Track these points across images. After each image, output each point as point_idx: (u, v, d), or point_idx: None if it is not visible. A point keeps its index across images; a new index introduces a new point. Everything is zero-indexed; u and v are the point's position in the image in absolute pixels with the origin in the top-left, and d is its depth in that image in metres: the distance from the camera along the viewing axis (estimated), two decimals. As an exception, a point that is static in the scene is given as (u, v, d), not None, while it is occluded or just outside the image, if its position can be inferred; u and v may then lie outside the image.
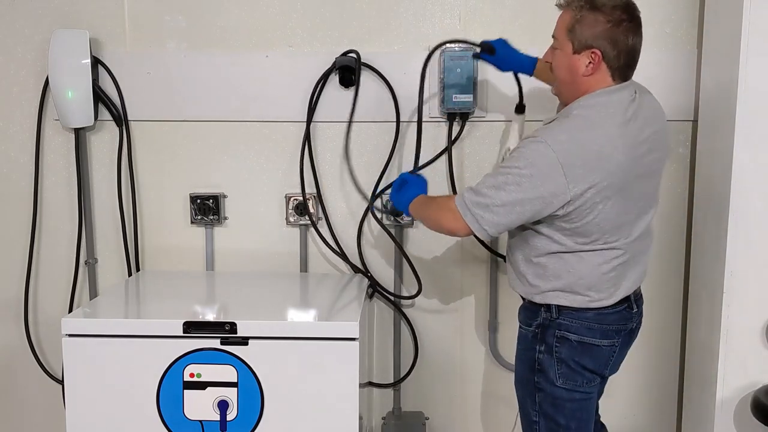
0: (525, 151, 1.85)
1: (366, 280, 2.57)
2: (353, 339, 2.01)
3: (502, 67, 2.30)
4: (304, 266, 2.70)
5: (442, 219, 1.99)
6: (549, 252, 1.96)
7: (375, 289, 2.66)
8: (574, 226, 1.90)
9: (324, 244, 2.66)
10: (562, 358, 1.99)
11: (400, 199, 2.20)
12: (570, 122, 1.88)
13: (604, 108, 1.88)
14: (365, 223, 2.67)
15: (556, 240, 1.94)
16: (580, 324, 1.98)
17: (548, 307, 1.99)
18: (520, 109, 2.38)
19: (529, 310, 2.05)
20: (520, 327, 2.10)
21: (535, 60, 2.24)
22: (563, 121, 1.89)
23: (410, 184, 2.20)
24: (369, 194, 2.61)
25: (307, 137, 2.60)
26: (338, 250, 2.65)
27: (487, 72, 2.54)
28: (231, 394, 2.02)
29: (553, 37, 1.94)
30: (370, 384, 2.71)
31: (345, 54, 2.54)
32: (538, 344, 2.01)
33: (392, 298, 2.68)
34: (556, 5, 1.94)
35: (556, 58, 1.92)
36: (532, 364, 2.02)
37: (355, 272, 2.66)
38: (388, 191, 2.62)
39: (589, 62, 1.86)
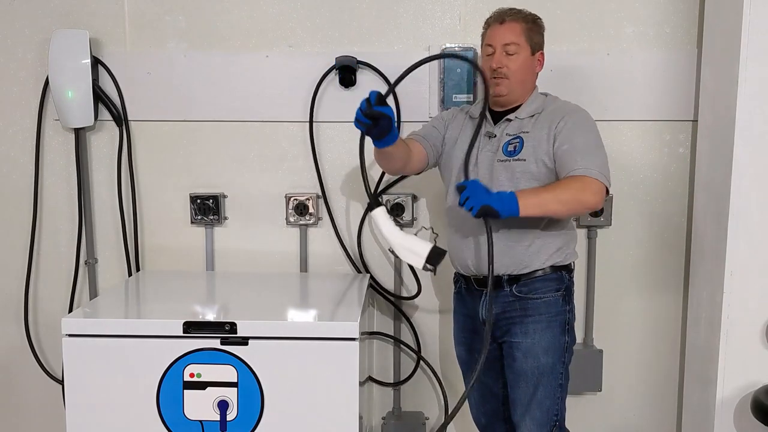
0: (585, 115, 2.14)
1: (367, 279, 2.57)
2: (353, 339, 2.01)
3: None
4: (304, 266, 2.70)
5: (591, 202, 2.00)
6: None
7: (376, 289, 2.66)
8: None
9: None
10: (573, 307, 2.22)
11: (503, 206, 1.93)
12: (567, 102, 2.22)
13: None
14: (365, 224, 2.68)
15: None
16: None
17: (569, 266, 2.19)
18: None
19: (553, 279, 2.15)
20: (541, 299, 2.14)
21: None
22: (564, 101, 2.21)
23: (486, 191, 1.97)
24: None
25: (311, 137, 2.61)
26: (342, 250, 2.66)
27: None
28: (231, 394, 2.02)
29: (505, 45, 2.12)
30: (371, 380, 2.70)
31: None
32: (565, 305, 2.18)
33: (392, 298, 2.69)
34: (496, 20, 2.15)
35: (515, 61, 2.13)
36: (563, 326, 2.16)
37: (358, 272, 2.67)
38: (389, 191, 2.63)
39: (538, 61, 2.18)
